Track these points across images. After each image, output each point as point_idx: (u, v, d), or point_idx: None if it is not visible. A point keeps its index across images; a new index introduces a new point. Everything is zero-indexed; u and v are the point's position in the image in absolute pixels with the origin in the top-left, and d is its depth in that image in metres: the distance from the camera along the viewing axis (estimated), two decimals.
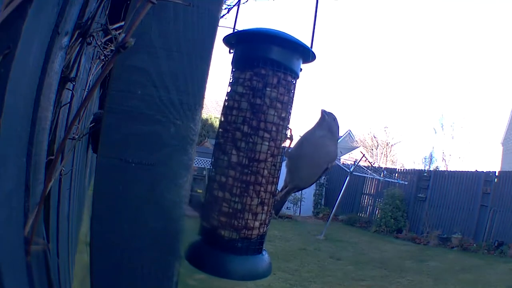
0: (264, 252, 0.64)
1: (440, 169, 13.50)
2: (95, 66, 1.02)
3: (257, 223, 0.60)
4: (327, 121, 0.73)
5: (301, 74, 0.64)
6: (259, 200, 0.60)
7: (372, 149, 17.97)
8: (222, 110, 0.63)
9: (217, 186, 0.60)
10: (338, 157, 10.94)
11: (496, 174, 7.65)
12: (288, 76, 0.61)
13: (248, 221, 0.59)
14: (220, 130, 0.62)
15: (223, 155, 0.60)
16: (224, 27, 0.71)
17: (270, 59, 0.60)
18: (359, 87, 37.80)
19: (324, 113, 0.73)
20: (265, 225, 0.62)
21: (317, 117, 0.75)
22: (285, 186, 0.74)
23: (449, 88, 33.06)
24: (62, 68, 0.57)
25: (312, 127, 0.75)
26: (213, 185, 0.61)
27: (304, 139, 0.73)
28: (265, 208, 0.61)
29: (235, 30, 0.71)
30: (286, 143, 0.67)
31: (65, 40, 0.53)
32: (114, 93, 0.49)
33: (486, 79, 32.35)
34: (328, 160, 0.74)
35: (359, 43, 39.26)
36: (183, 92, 0.51)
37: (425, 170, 10.26)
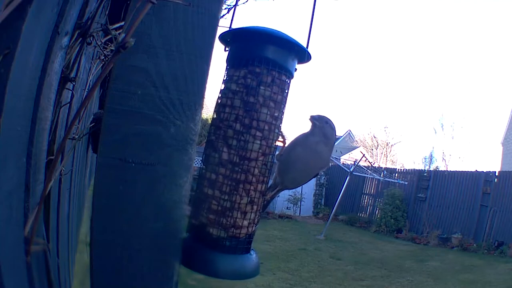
0: (252, 252, 0.63)
1: (440, 169, 13.50)
2: (95, 66, 1.02)
3: (245, 222, 0.60)
4: (319, 127, 0.70)
5: (297, 74, 0.64)
6: (249, 199, 0.60)
7: (372, 149, 17.97)
8: (215, 108, 0.63)
9: (207, 183, 0.60)
10: (338, 157, 10.90)
11: (496, 174, 7.64)
12: (282, 76, 0.61)
13: (237, 219, 0.59)
14: (212, 127, 0.62)
15: (214, 152, 0.60)
16: (224, 27, 0.71)
17: (265, 57, 0.60)
18: (358, 87, 37.83)
19: (313, 120, 0.70)
20: (254, 225, 0.62)
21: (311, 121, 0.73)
22: (274, 186, 0.74)
23: (449, 88, 33.09)
24: (62, 68, 0.57)
25: (306, 131, 0.73)
26: (203, 182, 0.61)
27: (297, 143, 0.71)
28: (255, 207, 0.61)
29: (231, 28, 0.71)
30: (278, 144, 0.67)
31: (65, 40, 0.53)
32: (114, 93, 0.49)
33: (486, 79, 32.38)
34: (320, 166, 0.73)
35: (359, 43, 39.29)
36: (183, 92, 0.51)
37: (425, 170, 10.25)
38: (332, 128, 0.71)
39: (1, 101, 0.32)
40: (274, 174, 0.73)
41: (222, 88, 0.63)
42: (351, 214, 9.48)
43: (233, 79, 0.61)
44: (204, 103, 0.54)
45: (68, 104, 0.71)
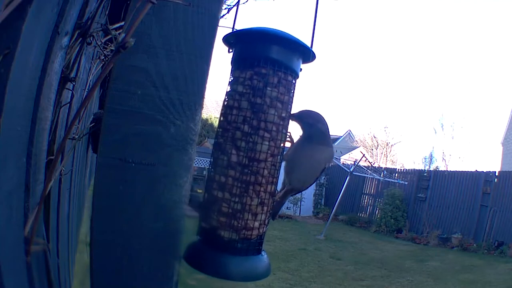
0: (263, 253, 0.63)
1: (440, 169, 13.50)
2: (95, 66, 1.02)
3: (256, 224, 0.60)
4: (303, 122, 0.70)
5: (300, 74, 0.64)
6: (259, 200, 0.60)
7: (372, 149, 17.98)
8: (222, 110, 0.63)
9: (217, 186, 0.60)
10: (338, 157, 10.89)
11: (496, 174, 7.63)
12: (288, 76, 0.61)
13: (248, 221, 0.59)
14: (219, 129, 0.62)
15: (223, 155, 0.60)
16: (224, 27, 0.71)
17: (270, 58, 0.60)
18: (358, 87, 37.82)
19: (293, 119, 0.69)
20: (265, 225, 0.62)
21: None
22: (283, 188, 0.74)
23: (449, 88, 33.09)
24: (62, 68, 0.57)
25: (303, 131, 0.73)
26: (213, 185, 0.61)
27: (299, 142, 0.72)
28: (265, 208, 0.61)
29: (234, 30, 0.70)
30: (287, 145, 0.67)
31: (65, 40, 0.53)
32: (114, 93, 0.49)
33: (486, 79, 32.37)
34: (324, 159, 0.73)
35: (359, 43, 39.28)
36: (183, 92, 0.51)
37: (425, 170, 10.25)
38: (311, 116, 0.70)
39: (1, 101, 0.32)
40: (283, 177, 0.73)
41: (228, 90, 0.62)
42: (351, 214, 9.48)
43: (239, 81, 0.61)
44: (204, 103, 0.54)
45: (68, 104, 0.71)
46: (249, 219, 0.59)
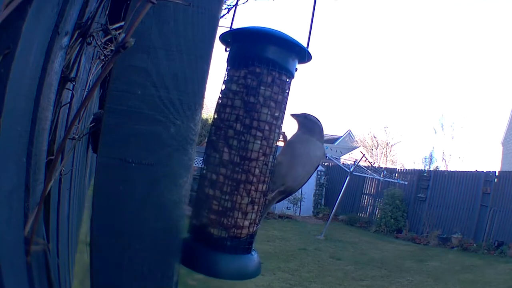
0: (253, 252, 0.63)
1: (440, 169, 13.52)
2: (95, 66, 1.02)
3: (246, 222, 0.60)
4: (301, 122, 0.72)
5: (297, 74, 0.64)
6: (250, 199, 0.60)
7: (372, 149, 17.99)
8: (216, 108, 0.63)
9: (208, 183, 0.60)
10: (338, 157, 10.86)
11: (496, 174, 7.64)
12: (283, 76, 0.61)
13: (238, 220, 0.59)
14: (212, 127, 0.62)
15: (215, 152, 0.60)
16: (224, 27, 0.71)
17: (265, 57, 0.60)
18: (358, 87, 37.83)
19: (293, 117, 0.73)
20: (255, 225, 0.62)
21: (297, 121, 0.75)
22: (271, 191, 0.72)
23: (449, 88, 33.11)
24: (62, 68, 0.57)
25: (295, 131, 0.74)
26: (204, 183, 0.61)
27: (290, 142, 0.72)
28: (256, 207, 0.61)
29: (231, 29, 0.71)
30: (280, 144, 0.67)
31: (65, 40, 0.53)
32: (114, 93, 0.49)
33: (486, 79, 32.38)
34: (320, 155, 0.73)
35: (359, 43, 39.28)
36: (183, 92, 0.51)
37: (425, 170, 10.26)
38: (313, 121, 0.72)
39: (1, 101, 0.32)
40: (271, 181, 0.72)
41: (223, 88, 0.63)
42: (351, 214, 9.48)
43: (234, 80, 0.61)
44: (204, 103, 0.54)
45: (68, 104, 0.71)
46: (239, 217, 0.59)
